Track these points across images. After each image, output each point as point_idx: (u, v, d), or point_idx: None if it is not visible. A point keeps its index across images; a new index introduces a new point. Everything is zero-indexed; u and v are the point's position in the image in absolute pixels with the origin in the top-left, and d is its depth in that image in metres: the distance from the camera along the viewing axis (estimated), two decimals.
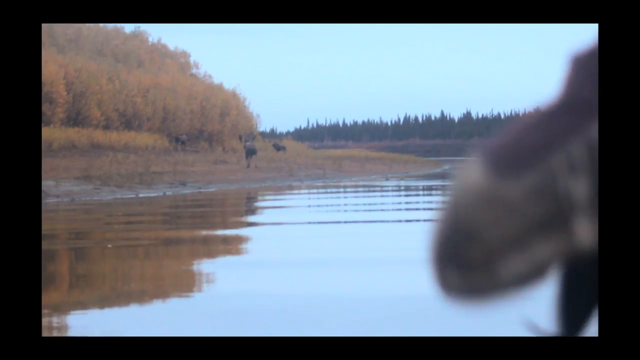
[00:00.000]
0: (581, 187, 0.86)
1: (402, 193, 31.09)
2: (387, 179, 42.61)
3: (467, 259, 0.87)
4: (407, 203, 25.72)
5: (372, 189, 33.46)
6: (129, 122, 53.63)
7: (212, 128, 61.53)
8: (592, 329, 0.93)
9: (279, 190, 32.74)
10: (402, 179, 42.82)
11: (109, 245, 13.44)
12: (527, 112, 0.90)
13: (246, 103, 72.98)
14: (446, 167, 73.35)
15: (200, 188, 32.73)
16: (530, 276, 0.88)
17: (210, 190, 32.07)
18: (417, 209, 22.03)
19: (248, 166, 45.20)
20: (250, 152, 46.78)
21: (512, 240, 0.86)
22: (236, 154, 54.18)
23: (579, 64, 0.92)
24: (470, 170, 0.88)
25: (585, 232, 0.87)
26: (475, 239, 0.87)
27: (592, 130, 0.87)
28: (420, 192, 31.31)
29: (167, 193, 29.86)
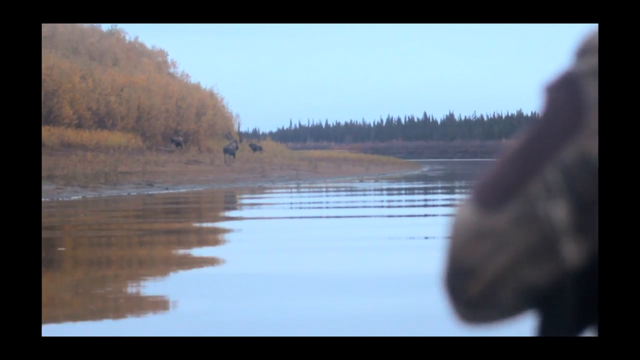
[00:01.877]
0: (561, 211, 0.90)
1: (365, 193, 30.50)
2: (361, 181, 42.04)
3: (469, 297, 0.92)
4: (363, 202, 25.18)
5: (339, 189, 32.91)
6: (102, 121, 52.96)
7: (187, 128, 60.86)
8: (592, 329, 0.94)
9: (246, 192, 32.13)
10: (376, 181, 42.26)
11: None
12: (506, 147, 0.95)
13: (224, 103, 72.42)
14: (425, 169, 72.95)
15: (167, 189, 32.09)
16: (529, 301, 0.93)
17: (177, 191, 31.42)
18: (365, 207, 21.58)
19: (228, 165, 46.43)
20: (228, 152, 48.66)
21: (506, 270, 0.90)
22: (210, 154, 53.55)
23: (551, 92, 0.96)
24: (461, 210, 0.93)
25: (572, 253, 0.91)
26: (472, 275, 0.91)
27: (566, 155, 0.92)
28: (384, 192, 30.75)
29: (132, 193, 29.20)
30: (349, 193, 31.32)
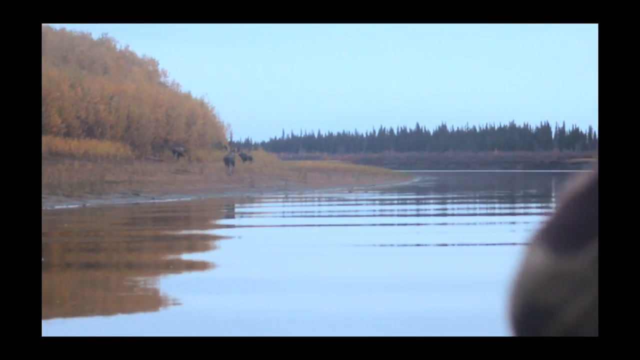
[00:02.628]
0: None
1: (347, 203, 30.17)
2: (350, 191, 41.74)
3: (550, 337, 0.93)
4: (344, 211, 24.88)
5: (325, 199, 32.62)
6: (91, 130, 52.61)
7: (177, 137, 60.55)
8: (592, 330, 0.93)
9: (232, 202, 31.81)
10: (365, 192, 41.97)
11: None
12: (564, 193, 0.94)
13: (215, 112, 72.11)
14: (416, 179, 72.67)
15: (153, 198, 31.74)
16: None
17: (163, 201, 31.08)
18: (349, 216, 21.31)
19: (229, 174, 47.26)
20: (229, 162, 49.31)
21: (588, 310, 0.90)
22: (200, 164, 53.25)
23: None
24: (530, 254, 0.92)
25: None
26: (553, 316, 0.91)
27: None
28: (364, 203, 30.43)
29: (118, 203, 28.84)
30: (335, 203, 31.04)
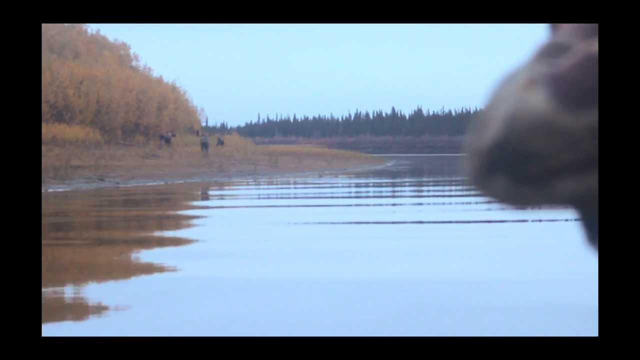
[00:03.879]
0: None
1: (307, 186, 30.02)
2: (320, 176, 41.58)
3: (522, 174, 0.92)
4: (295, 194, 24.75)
5: (285, 184, 32.45)
6: (60, 114, 52.23)
7: (148, 121, 60.22)
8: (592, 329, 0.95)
9: (194, 188, 31.58)
10: (336, 176, 41.81)
11: None
12: (588, 43, 0.93)
13: (187, 96, 71.75)
14: (389, 164, 72.61)
15: (118, 183, 31.47)
16: (582, 198, 0.92)
17: (127, 185, 30.82)
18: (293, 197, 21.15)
19: (205, 157, 49.81)
20: (203, 146, 52.41)
21: (569, 166, 0.90)
22: (169, 149, 52.95)
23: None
24: (532, 95, 0.91)
25: None
26: (533, 159, 0.90)
27: None
28: (325, 186, 30.27)
29: (81, 188, 28.56)
30: (299, 186, 30.87)
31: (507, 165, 0.91)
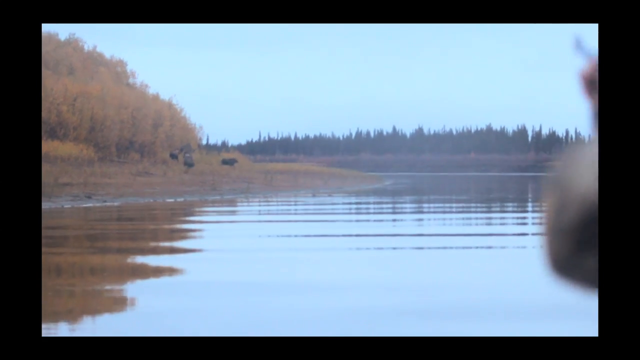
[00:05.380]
0: None
1: (289, 204, 29.56)
2: (313, 195, 41.06)
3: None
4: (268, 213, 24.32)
5: (272, 203, 32.02)
6: (53, 131, 51.77)
7: (143, 139, 59.72)
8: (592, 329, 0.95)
9: (178, 207, 31.10)
10: (329, 195, 41.31)
11: None
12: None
13: (184, 114, 71.27)
14: (387, 182, 72.16)
15: (105, 201, 30.99)
16: None
17: (114, 204, 30.34)
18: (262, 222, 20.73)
19: (186, 172, 50.35)
20: (187, 165, 52.13)
21: None
22: (164, 166, 52.49)
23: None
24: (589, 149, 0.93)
25: None
26: None
27: None
28: (300, 207, 29.82)
29: (66, 206, 28.06)
30: (282, 204, 30.45)
31: (594, 241, 0.86)
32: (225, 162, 62.28)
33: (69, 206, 28.04)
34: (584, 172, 0.87)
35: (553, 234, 0.87)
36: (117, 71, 71.96)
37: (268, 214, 26.45)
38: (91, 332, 7.03)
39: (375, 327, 7.50)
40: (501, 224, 22.10)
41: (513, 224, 22.35)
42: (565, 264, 0.87)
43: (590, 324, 5.86)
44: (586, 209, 0.86)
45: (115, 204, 30.40)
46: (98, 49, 72.79)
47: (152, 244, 16.61)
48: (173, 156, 56.69)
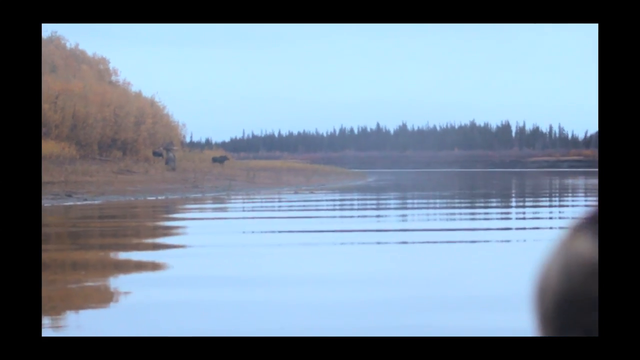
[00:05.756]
0: None
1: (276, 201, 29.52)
2: (295, 192, 41.00)
3: (592, 326, 0.91)
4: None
5: (253, 201, 31.95)
6: None
7: (125, 137, 59.53)
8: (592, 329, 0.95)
9: (159, 205, 31.01)
10: (311, 192, 41.24)
11: None
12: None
13: (166, 111, 71.09)
14: (370, 179, 72.13)
15: (86, 200, 30.87)
16: None
17: (94, 202, 30.21)
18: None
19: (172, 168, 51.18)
20: (170, 161, 52.20)
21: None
22: (146, 164, 52.34)
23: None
24: (574, 242, 0.91)
25: None
26: (595, 307, 0.90)
27: None
28: (276, 204, 29.78)
29: (46, 205, 27.93)
30: (263, 202, 30.38)
31: (575, 322, 0.89)
32: (215, 160, 62.30)
33: (49, 205, 27.90)
34: (554, 269, 0.89)
35: (538, 319, 0.91)
36: (99, 69, 71.77)
37: (250, 210, 26.38)
38: (77, 328, 7.10)
39: (364, 319, 7.74)
40: (485, 219, 22.11)
41: (497, 218, 22.36)
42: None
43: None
44: (561, 287, 0.88)
45: (96, 202, 30.27)
46: (80, 47, 72.65)
47: (135, 240, 16.57)
48: (156, 154, 56.67)
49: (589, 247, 0.88)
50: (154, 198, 33.84)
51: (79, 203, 29.35)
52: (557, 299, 0.89)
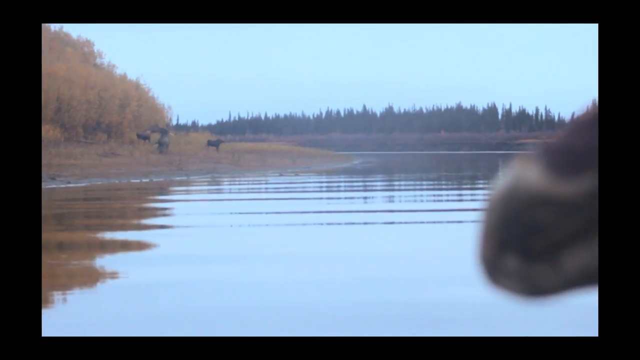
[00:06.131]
0: None
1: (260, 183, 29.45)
2: (280, 174, 40.92)
3: (531, 250, 0.92)
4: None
5: (237, 182, 31.88)
6: None
7: (110, 119, 59.30)
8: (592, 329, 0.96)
9: (143, 188, 30.90)
10: (296, 174, 41.18)
11: None
12: (577, 114, 0.95)
13: (152, 94, 70.83)
14: (356, 162, 72.10)
15: (69, 183, 30.73)
16: (593, 271, 0.92)
17: (77, 185, 30.08)
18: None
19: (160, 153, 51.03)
20: (163, 145, 51.87)
21: (576, 235, 0.91)
22: (130, 146, 52.17)
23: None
24: (528, 169, 0.93)
25: None
26: (538, 231, 0.91)
27: None
28: (261, 187, 29.71)
29: None
30: (247, 184, 30.31)
31: (514, 242, 0.91)
32: (211, 143, 62.25)
33: None
34: (506, 180, 0.92)
35: (481, 236, 0.92)
36: (84, 51, 71.41)
37: (236, 192, 26.33)
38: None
39: (353, 294, 7.95)
40: (458, 200, 22.09)
41: (480, 199, 22.35)
42: (489, 266, 0.92)
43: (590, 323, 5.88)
44: (508, 208, 0.91)
45: (80, 185, 30.15)
46: (65, 30, 72.28)
47: (120, 221, 16.49)
48: (141, 137, 56.45)
49: (536, 175, 0.90)
50: (138, 181, 33.72)
51: (62, 186, 29.20)
52: (500, 214, 0.91)
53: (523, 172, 0.92)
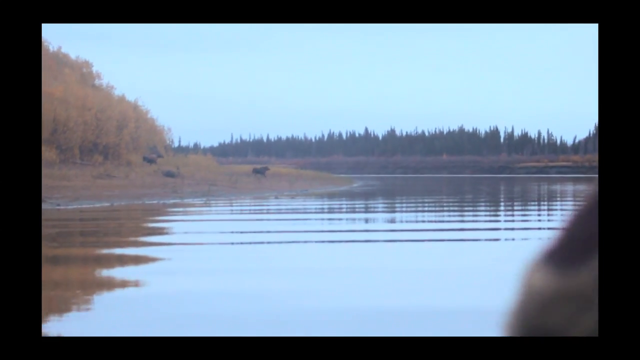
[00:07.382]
0: None
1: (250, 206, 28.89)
2: (276, 197, 40.38)
3: None
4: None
5: (229, 205, 31.37)
6: None
7: (107, 140, 58.80)
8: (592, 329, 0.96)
9: (132, 209, 30.36)
10: (292, 198, 40.64)
11: None
12: (573, 212, 0.94)
13: (150, 115, 70.41)
14: (355, 184, 71.56)
15: (59, 205, 30.20)
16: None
17: (67, 208, 29.55)
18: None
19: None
20: (169, 175, 51.00)
21: (594, 329, 0.90)
22: (127, 168, 51.67)
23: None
24: (530, 277, 0.92)
25: None
26: (555, 332, 0.92)
27: None
28: (239, 210, 29.17)
29: None
30: (239, 207, 29.80)
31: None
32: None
33: None
34: (530, 298, 0.89)
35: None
36: (82, 72, 71.02)
37: (228, 213, 25.83)
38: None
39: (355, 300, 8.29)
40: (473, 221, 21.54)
41: (484, 221, 21.80)
42: None
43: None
44: (524, 321, 0.90)
45: (69, 207, 29.60)
46: (63, 50, 71.95)
47: (113, 241, 15.97)
48: (147, 160, 56.40)
49: (542, 278, 0.88)
50: (130, 203, 33.18)
51: (49, 208, 28.65)
52: (519, 329, 0.91)
53: (529, 280, 0.90)
